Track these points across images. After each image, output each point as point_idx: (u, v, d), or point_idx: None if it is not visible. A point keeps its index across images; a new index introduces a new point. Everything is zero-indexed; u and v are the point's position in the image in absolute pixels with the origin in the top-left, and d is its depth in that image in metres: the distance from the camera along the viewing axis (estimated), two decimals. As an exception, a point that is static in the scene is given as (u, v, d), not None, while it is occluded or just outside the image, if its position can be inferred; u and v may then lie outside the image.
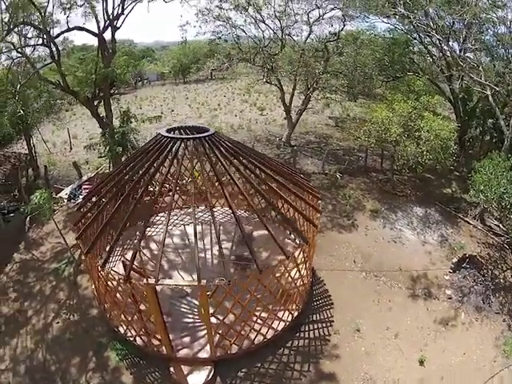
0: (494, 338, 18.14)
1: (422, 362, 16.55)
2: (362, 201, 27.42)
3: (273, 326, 16.46)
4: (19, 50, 25.95)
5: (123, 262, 16.83)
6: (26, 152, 31.13)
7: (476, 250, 23.30)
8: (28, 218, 23.21)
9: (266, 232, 19.21)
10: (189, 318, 17.59)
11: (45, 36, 25.19)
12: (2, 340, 17.39)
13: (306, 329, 17.79)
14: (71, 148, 37.83)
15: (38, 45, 26.81)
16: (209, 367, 15.57)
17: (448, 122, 26.37)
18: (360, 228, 24.73)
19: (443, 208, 27.01)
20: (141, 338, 16.25)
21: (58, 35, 26.50)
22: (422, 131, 25.04)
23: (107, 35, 26.76)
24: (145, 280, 14.04)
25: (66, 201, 26.98)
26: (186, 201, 25.70)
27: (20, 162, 28.22)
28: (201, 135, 17.62)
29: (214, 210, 24.40)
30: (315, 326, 17.95)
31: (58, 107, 34.31)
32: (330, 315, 18.54)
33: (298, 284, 16.96)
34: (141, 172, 17.39)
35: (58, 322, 18.14)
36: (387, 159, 32.18)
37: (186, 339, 16.45)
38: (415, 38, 34.27)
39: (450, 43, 31.93)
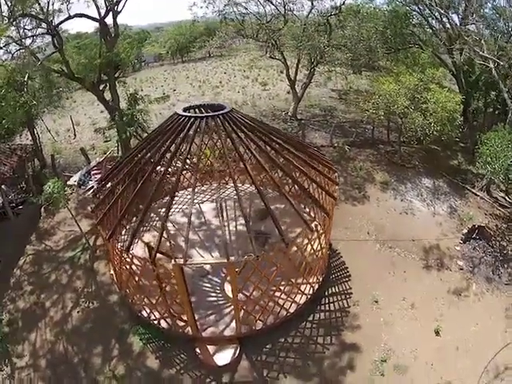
0: (505, 308, 18.54)
1: (437, 333, 16.96)
2: (371, 173, 27.56)
3: (295, 299, 16.62)
4: (19, 42, 25.69)
5: (147, 244, 16.94)
6: (31, 143, 30.89)
7: (484, 221, 23.62)
8: (42, 209, 22.90)
9: (282, 206, 19.65)
10: (212, 296, 17.83)
11: (45, 25, 25.03)
12: (20, 336, 17.31)
13: (327, 301, 18.13)
14: (75, 135, 37.50)
15: (40, 34, 26.63)
16: (234, 345, 15.84)
17: (454, 94, 26.39)
18: (372, 199, 24.96)
19: (450, 180, 27.22)
20: (165, 321, 16.39)
21: (60, 23, 26.13)
22: (428, 103, 24.99)
23: (108, 20, 26.51)
24: (172, 261, 14.05)
25: (75, 188, 26.79)
26: (199, 179, 25.49)
27: (26, 154, 28.02)
28: (219, 113, 17.52)
29: (228, 187, 25.23)
30: (335, 299, 18.31)
31: (58, 95, 33.93)
32: (348, 287, 18.90)
33: (318, 256, 17.14)
34: (161, 151, 17.32)
35: (78, 312, 18.12)
36: (394, 131, 32.35)
37: (211, 318, 16.70)
38: (414, 10, 34.09)
39: (450, 15, 31.86)
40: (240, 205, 15.38)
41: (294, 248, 15.52)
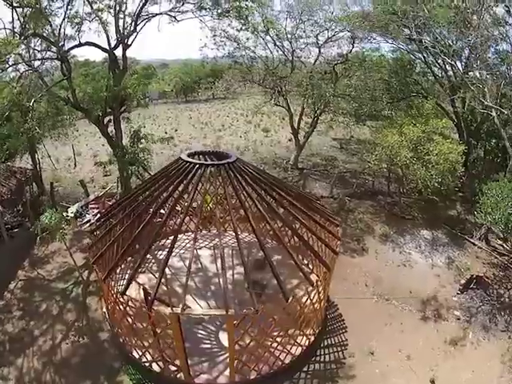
0: (501, 354, 18.35)
1: (433, 382, 16.73)
2: (370, 225, 27.80)
3: (291, 351, 16.44)
4: (28, 62, 25.81)
5: (144, 289, 16.98)
6: (31, 167, 30.99)
7: (482, 270, 23.62)
8: (38, 239, 21.58)
9: (279, 257, 19.89)
10: (206, 343, 17.54)
11: (55, 49, 25.21)
12: (7, 359, 17.02)
13: (322, 352, 17.97)
14: (75, 165, 38.04)
15: (50, 58, 27.00)
16: None
17: (456, 144, 26.44)
18: (370, 252, 25.12)
19: (449, 230, 27.38)
20: (157, 364, 16.14)
21: (70, 49, 26.38)
22: (431, 155, 25.16)
23: (118, 52, 26.88)
24: (169, 309, 14.00)
25: (71, 219, 26.44)
26: (198, 224, 25.53)
27: (26, 177, 28.21)
28: (224, 162, 17.72)
29: (226, 234, 25.10)
30: (331, 350, 18.17)
31: (62, 123, 34.23)
32: (344, 338, 18.78)
33: (316, 308, 17.04)
34: (164, 196, 17.58)
35: (67, 344, 17.82)
36: (394, 182, 32.70)
37: (204, 365, 16.46)
38: (418, 58, 34.68)
39: (454, 62, 32.07)
40: (241, 253, 15.39)
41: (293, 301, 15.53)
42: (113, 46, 26.53)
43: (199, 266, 22.46)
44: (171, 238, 23.60)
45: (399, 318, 20.35)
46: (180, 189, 17.51)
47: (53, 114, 29.60)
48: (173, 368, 15.92)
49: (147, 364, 16.34)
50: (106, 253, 16.88)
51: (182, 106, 76.04)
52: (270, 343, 15.75)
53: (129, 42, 26.89)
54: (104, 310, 18.83)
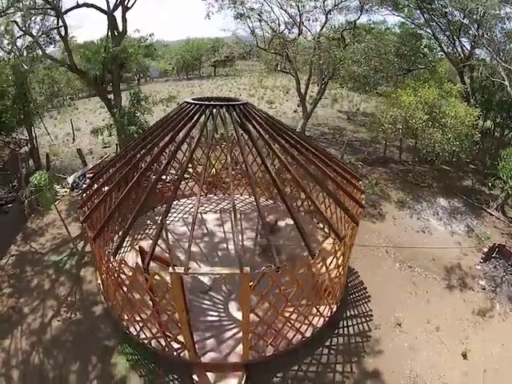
0: None
1: (465, 356, 14.43)
2: (385, 191, 25.20)
3: (312, 322, 13.54)
4: (23, 28, 23.33)
5: (140, 247, 13.69)
6: (27, 139, 28.28)
7: (501, 240, 21.36)
8: (26, 202, 19.41)
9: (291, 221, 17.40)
10: (213, 316, 14.41)
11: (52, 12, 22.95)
12: None
13: (345, 324, 15.14)
14: (74, 139, 35.30)
15: (47, 12, 24.21)
16: (239, 373, 12.47)
17: (472, 108, 24.23)
18: (388, 217, 22.55)
19: (465, 199, 25.13)
20: (157, 341, 13.03)
21: (68, 11, 23.62)
22: (447, 118, 22.94)
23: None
24: (170, 269, 10.65)
25: (68, 190, 24.18)
26: (201, 187, 22.90)
27: (20, 148, 25.52)
28: (235, 103, 14.63)
29: (235, 198, 22.54)
30: (354, 322, 15.31)
31: (60, 102, 32.57)
32: (368, 309, 15.94)
33: (341, 272, 14.07)
34: (161, 144, 14.46)
35: (58, 321, 15.12)
36: (405, 151, 30.79)
37: (211, 341, 13.34)
38: (427, 32, 32.42)
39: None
40: (259, 210, 12.48)
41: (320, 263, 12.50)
42: (112, 7, 23.74)
43: (205, 231, 19.43)
44: (175, 202, 21.24)
45: (424, 286, 17.75)
46: (181, 136, 14.38)
47: (49, 83, 27.62)
48: (176, 345, 12.76)
49: (146, 341, 13.21)
50: (97, 212, 14.25)
51: (183, 82, 72.46)
52: (289, 314, 12.56)
53: (129, 5, 24.14)
54: (99, 281, 15.94)
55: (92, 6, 23.49)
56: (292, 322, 12.83)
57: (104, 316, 15.41)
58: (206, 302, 15.05)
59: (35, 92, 27.04)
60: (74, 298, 16.47)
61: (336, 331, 14.85)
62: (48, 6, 23.10)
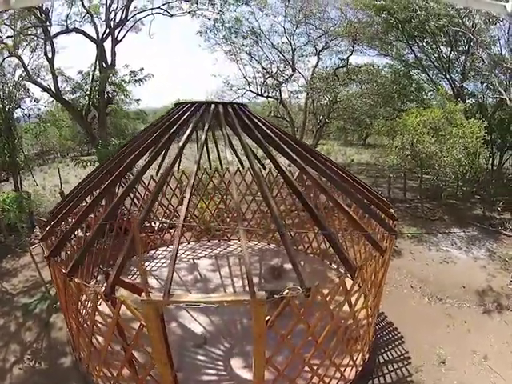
0: None
1: (524, 381, 10.62)
2: (397, 227, 22.64)
3: (345, 373, 9.43)
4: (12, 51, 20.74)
5: (105, 271, 10.26)
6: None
7: (524, 259, 18.64)
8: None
9: (301, 263, 14.27)
10: (210, 374, 10.04)
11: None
12: None
13: (380, 373, 11.37)
14: (61, 191, 33.07)
15: (36, 26, 21.72)
16: None
17: (479, 122, 21.96)
18: (405, 253, 19.73)
19: (479, 226, 22.74)
20: None
21: (57, 35, 21.78)
22: (455, 138, 20.77)
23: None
24: (143, 295, 6.85)
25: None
26: (195, 235, 19.24)
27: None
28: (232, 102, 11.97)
29: (229, 243, 18.62)
30: (390, 367, 11.55)
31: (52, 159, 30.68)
32: (403, 351, 12.24)
33: (374, 312, 10.72)
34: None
35: (19, 368, 11.82)
36: (408, 191, 28.66)
37: None
38: (419, 69, 30.94)
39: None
40: None
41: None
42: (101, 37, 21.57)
43: (198, 277, 15.51)
44: (162, 248, 17.88)
45: (460, 316, 14.60)
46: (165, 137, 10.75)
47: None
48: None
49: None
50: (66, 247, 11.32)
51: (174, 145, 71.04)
52: (318, 364, 8.40)
53: (118, 38, 22.07)
54: (68, 327, 11.79)
55: (82, 32, 21.55)
56: (320, 375, 8.62)
57: (72, 369, 11.71)
58: (200, 357, 10.66)
59: (25, 143, 24.81)
60: (41, 345, 13.18)
61: (371, 382, 11.57)
62: (38, 24, 21.12)
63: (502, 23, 24.39)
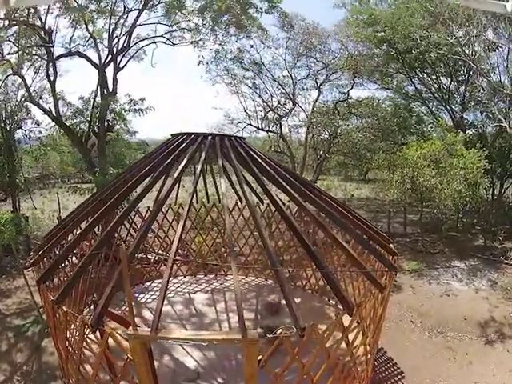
0: None
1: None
2: (397, 261, 22.35)
3: None
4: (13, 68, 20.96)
5: (93, 301, 10.40)
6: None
7: (526, 287, 18.54)
8: None
9: (298, 299, 14.06)
10: None
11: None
12: None
13: None
14: (60, 216, 32.80)
15: (39, 45, 21.77)
16: None
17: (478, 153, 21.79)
18: (405, 288, 19.46)
19: (480, 257, 22.58)
20: None
21: (59, 57, 21.87)
22: (456, 169, 20.66)
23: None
24: (130, 329, 6.61)
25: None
26: (191, 269, 18.86)
27: None
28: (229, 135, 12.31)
29: (226, 278, 18.04)
30: None
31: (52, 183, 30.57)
32: None
33: (373, 349, 10.37)
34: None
35: None
36: (408, 225, 28.33)
37: None
38: (419, 101, 31.11)
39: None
40: None
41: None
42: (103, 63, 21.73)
43: (193, 311, 15.08)
44: (157, 281, 17.42)
45: (462, 348, 14.39)
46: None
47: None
48: None
49: None
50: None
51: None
52: None
53: (120, 65, 22.20)
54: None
55: (84, 56, 21.65)
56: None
57: None
58: None
59: (25, 165, 24.70)
60: (31, 367, 13.03)
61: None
62: (41, 43, 21.12)
63: (501, 49, 24.51)
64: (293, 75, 28.56)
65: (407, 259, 22.71)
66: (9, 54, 21.15)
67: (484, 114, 28.43)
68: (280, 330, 6.61)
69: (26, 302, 17.06)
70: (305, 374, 7.38)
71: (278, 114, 29.11)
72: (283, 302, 13.82)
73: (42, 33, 20.59)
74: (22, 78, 21.60)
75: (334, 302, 15.33)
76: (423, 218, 25.46)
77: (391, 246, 11.97)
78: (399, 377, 12.54)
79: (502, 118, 23.09)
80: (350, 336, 8.28)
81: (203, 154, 10.67)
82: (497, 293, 18.65)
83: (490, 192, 28.46)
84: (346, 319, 8.08)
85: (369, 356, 9.76)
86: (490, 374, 12.95)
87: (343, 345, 8.19)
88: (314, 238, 16.18)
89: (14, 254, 17.06)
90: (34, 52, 22.15)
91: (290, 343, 6.93)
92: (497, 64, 25.51)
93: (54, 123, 23.11)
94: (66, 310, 7.96)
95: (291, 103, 29.13)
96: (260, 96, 29.35)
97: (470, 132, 28.75)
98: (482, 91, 26.07)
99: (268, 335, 6.78)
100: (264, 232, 8.87)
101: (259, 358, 6.66)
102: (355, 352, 8.88)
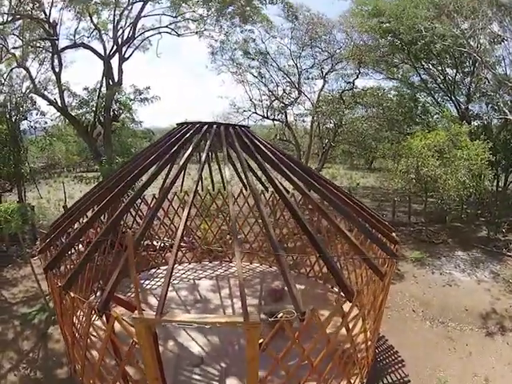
0: None
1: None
2: (400, 251, 22.40)
3: None
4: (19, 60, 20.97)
5: (101, 287, 10.91)
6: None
7: (529, 280, 18.48)
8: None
9: (302, 286, 13.68)
10: None
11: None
12: None
13: None
14: (65, 205, 32.87)
15: (44, 39, 21.84)
16: None
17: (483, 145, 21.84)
18: (408, 277, 19.47)
19: (483, 248, 22.49)
20: None
21: (64, 49, 21.74)
22: (460, 160, 20.69)
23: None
24: (136, 313, 6.84)
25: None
26: (195, 256, 19.07)
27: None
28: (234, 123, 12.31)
29: (231, 264, 18.24)
30: None
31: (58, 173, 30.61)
32: (404, 375, 12.01)
33: (374, 335, 10.53)
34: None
35: (14, 375, 11.83)
36: (413, 214, 28.38)
37: None
38: (425, 92, 31.09)
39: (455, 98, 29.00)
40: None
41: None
42: (108, 54, 21.66)
43: (198, 297, 15.30)
44: (162, 268, 17.64)
45: (462, 339, 14.43)
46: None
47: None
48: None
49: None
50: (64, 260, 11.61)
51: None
52: None
53: (126, 55, 22.10)
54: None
55: (89, 47, 21.53)
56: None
57: (67, 381, 11.68)
58: (196, 376, 10.42)
59: (31, 156, 24.81)
60: (37, 355, 13.13)
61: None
62: (46, 37, 21.12)
63: (506, 42, 24.42)
64: (298, 65, 28.52)
65: (410, 248, 22.69)
66: (14, 48, 21.13)
67: (489, 106, 28.40)
68: (281, 314, 6.90)
69: (33, 291, 17.15)
70: (305, 359, 7.52)
71: (283, 103, 29.10)
72: (286, 288, 14.11)
73: (47, 26, 20.54)
74: (27, 70, 21.59)
75: (337, 289, 15.45)
76: (427, 208, 25.58)
77: (393, 234, 11.92)
78: (400, 365, 12.62)
79: (507, 111, 23.05)
80: (351, 323, 8.41)
81: (208, 143, 10.78)
82: (499, 285, 18.65)
83: (495, 184, 28.47)
84: (347, 305, 8.23)
85: (369, 343, 9.89)
86: (489, 365, 13.03)
87: (344, 331, 8.31)
88: (318, 226, 16.21)
89: (20, 243, 17.08)
90: (38, 45, 22.17)
91: (291, 327, 7.12)
92: (502, 57, 25.52)
93: (59, 114, 23.04)
94: (73, 295, 8.13)
95: (296, 92, 29.07)
96: (265, 85, 29.38)
97: (475, 123, 28.69)
98: (487, 83, 25.98)
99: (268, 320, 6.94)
100: (267, 219, 8.96)
101: (260, 341, 6.84)
102: (355, 338, 9.02)
